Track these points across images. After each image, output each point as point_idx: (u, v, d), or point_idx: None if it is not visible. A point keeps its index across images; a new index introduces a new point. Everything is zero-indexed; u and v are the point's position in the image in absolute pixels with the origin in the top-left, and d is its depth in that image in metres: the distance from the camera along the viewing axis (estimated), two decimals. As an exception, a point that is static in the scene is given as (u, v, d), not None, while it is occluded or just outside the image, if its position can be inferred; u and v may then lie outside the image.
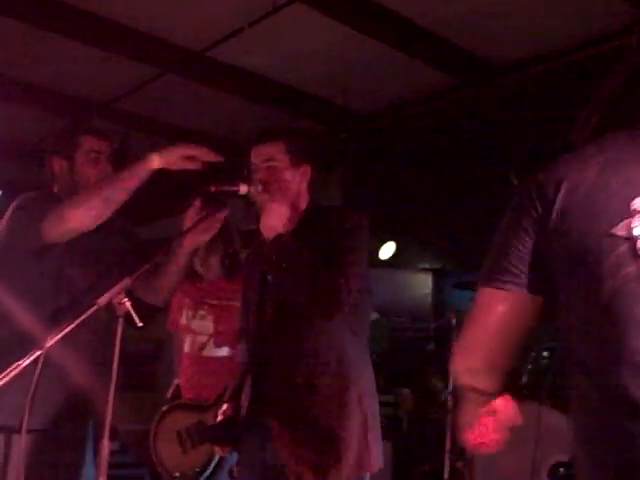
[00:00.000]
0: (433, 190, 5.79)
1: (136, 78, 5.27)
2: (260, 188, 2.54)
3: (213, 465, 3.43)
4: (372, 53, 4.77)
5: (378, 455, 2.50)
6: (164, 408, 3.77)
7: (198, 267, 3.81)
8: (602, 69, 4.52)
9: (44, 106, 5.67)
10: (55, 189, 2.92)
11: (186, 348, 3.74)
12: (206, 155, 2.59)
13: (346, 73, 5.06)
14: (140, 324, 2.25)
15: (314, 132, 5.82)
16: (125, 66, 5.00)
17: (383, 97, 5.49)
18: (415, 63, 4.84)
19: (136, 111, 5.84)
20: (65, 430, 2.74)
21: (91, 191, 2.65)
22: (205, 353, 3.73)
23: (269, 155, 2.61)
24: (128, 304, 2.23)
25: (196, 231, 2.68)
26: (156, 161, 2.58)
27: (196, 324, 3.74)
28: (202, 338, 3.64)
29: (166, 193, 6.63)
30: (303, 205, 2.68)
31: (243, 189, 2.53)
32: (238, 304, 3.54)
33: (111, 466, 2.27)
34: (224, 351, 3.70)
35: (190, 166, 2.60)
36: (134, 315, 2.24)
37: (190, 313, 3.78)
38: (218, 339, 3.68)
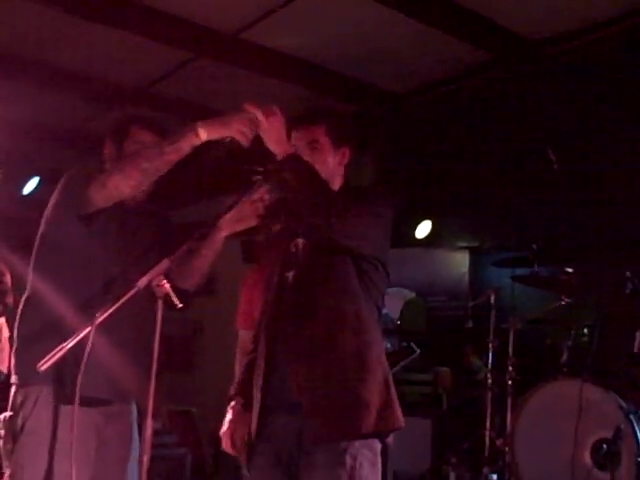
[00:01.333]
0: (469, 168, 5.74)
1: (170, 62, 5.30)
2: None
3: None
4: (405, 31, 4.73)
5: (400, 413, 2.49)
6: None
7: None
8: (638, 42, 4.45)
9: (79, 92, 5.71)
10: None
11: None
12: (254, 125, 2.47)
13: (379, 52, 5.03)
14: (180, 305, 2.27)
15: (348, 112, 5.81)
16: (159, 50, 5.02)
17: (417, 75, 5.44)
18: (449, 40, 4.79)
19: (170, 95, 5.86)
20: (112, 409, 2.80)
21: (132, 160, 2.65)
22: None
23: (312, 137, 2.61)
24: (167, 286, 2.24)
25: (233, 217, 2.69)
26: (202, 135, 2.51)
27: None
28: None
29: (194, 179, 6.69)
30: (336, 187, 2.67)
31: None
32: None
33: (153, 446, 2.29)
34: None
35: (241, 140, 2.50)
36: (173, 297, 2.25)
37: None
38: None
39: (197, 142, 2.52)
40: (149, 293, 2.29)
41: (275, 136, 2.45)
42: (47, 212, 2.79)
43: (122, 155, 2.88)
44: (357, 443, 2.39)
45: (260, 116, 2.43)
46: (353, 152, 2.70)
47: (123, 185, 2.62)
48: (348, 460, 2.36)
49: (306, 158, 2.52)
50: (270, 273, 2.71)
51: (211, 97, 5.89)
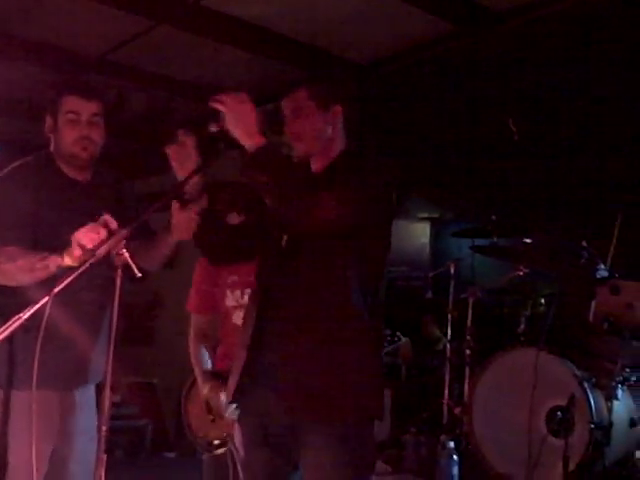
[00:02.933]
0: (431, 139, 5.77)
1: (130, 30, 5.21)
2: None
3: None
4: (370, 1, 4.71)
5: (383, 401, 2.47)
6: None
7: None
8: (607, 12, 4.49)
9: (37, 61, 5.61)
10: (51, 147, 2.92)
11: (239, 321, 3.38)
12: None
13: (344, 22, 5.01)
14: (139, 275, 2.25)
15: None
16: (119, 18, 4.94)
17: (382, 46, 5.43)
18: (413, 11, 4.78)
19: (131, 63, 5.79)
20: (72, 394, 2.80)
21: (7, 269, 2.66)
22: None
23: (295, 104, 2.54)
24: (127, 255, 2.22)
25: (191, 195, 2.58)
26: (67, 260, 2.54)
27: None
28: None
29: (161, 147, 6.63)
30: (338, 148, 2.59)
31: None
32: None
33: (113, 418, 2.30)
34: None
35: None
36: (133, 266, 2.23)
37: (238, 292, 3.50)
38: None
39: (62, 264, 2.55)
40: (108, 263, 2.28)
41: (244, 127, 2.32)
42: None
43: (57, 129, 2.86)
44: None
45: (227, 106, 2.31)
46: (347, 109, 2.60)
47: (7, 282, 2.69)
48: (347, 439, 2.34)
49: (294, 128, 2.49)
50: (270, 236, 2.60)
51: (173, 66, 5.84)
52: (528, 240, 4.55)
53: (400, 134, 5.93)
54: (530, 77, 5.02)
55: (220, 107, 2.32)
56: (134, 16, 4.95)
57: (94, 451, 2.40)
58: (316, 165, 2.59)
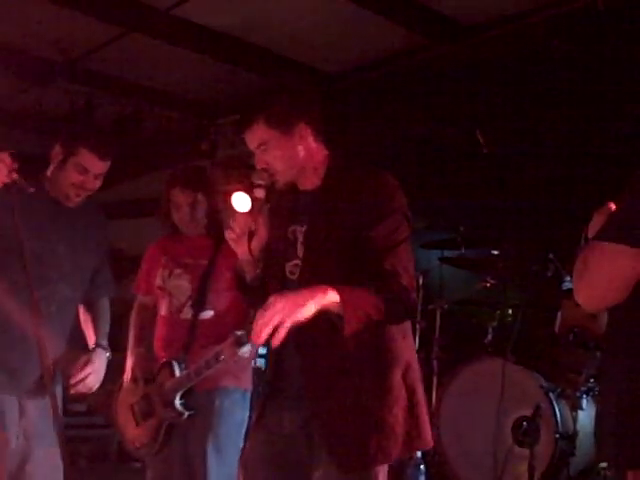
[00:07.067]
0: (399, 150, 5.79)
1: (101, 37, 5.18)
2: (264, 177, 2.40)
3: (162, 436, 3.32)
4: (339, 11, 4.73)
5: (428, 430, 2.39)
6: (123, 379, 3.62)
7: (183, 222, 3.51)
8: (571, 27, 4.54)
9: (7, 67, 5.56)
10: (48, 172, 3.00)
11: (162, 311, 3.49)
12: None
13: (313, 32, 5.02)
14: (32, 189, 2.38)
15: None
16: (89, 25, 4.91)
17: (350, 56, 5.45)
18: (383, 22, 4.81)
19: (101, 70, 5.75)
20: (38, 402, 2.78)
21: None
22: (183, 316, 3.43)
23: (258, 140, 2.40)
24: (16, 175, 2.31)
25: None
26: None
27: (172, 284, 3.47)
28: (179, 300, 3.44)
29: (133, 153, 6.60)
30: (320, 160, 2.48)
31: (260, 194, 2.39)
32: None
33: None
34: (208, 314, 3.40)
35: None
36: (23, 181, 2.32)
37: (166, 273, 3.50)
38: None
39: None
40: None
41: (280, 161, 2.39)
42: None
43: (63, 168, 2.93)
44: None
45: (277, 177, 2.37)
46: (316, 120, 2.50)
47: None
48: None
49: (265, 162, 2.39)
50: (270, 265, 2.48)
51: (143, 74, 5.82)
52: (496, 252, 4.60)
53: (367, 144, 5.94)
54: (496, 91, 5.06)
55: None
56: (105, 24, 4.93)
57: (55, 455, 2.40)
58: (307, 184, 2.48)
